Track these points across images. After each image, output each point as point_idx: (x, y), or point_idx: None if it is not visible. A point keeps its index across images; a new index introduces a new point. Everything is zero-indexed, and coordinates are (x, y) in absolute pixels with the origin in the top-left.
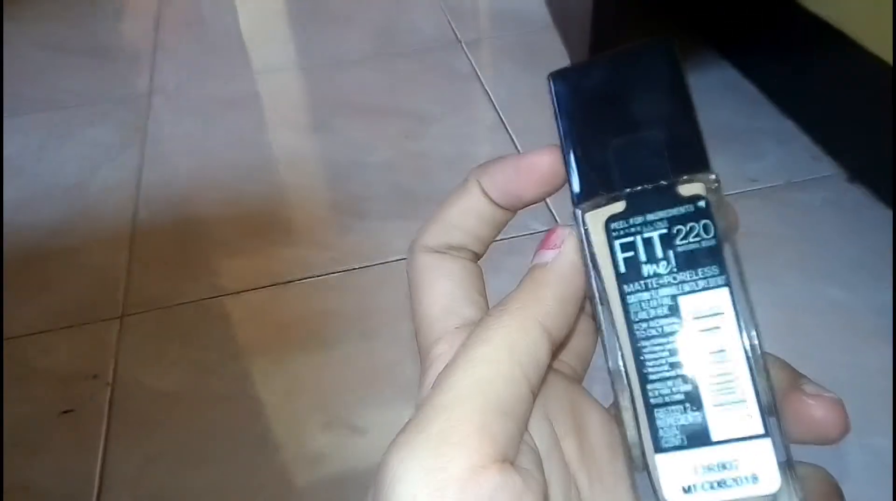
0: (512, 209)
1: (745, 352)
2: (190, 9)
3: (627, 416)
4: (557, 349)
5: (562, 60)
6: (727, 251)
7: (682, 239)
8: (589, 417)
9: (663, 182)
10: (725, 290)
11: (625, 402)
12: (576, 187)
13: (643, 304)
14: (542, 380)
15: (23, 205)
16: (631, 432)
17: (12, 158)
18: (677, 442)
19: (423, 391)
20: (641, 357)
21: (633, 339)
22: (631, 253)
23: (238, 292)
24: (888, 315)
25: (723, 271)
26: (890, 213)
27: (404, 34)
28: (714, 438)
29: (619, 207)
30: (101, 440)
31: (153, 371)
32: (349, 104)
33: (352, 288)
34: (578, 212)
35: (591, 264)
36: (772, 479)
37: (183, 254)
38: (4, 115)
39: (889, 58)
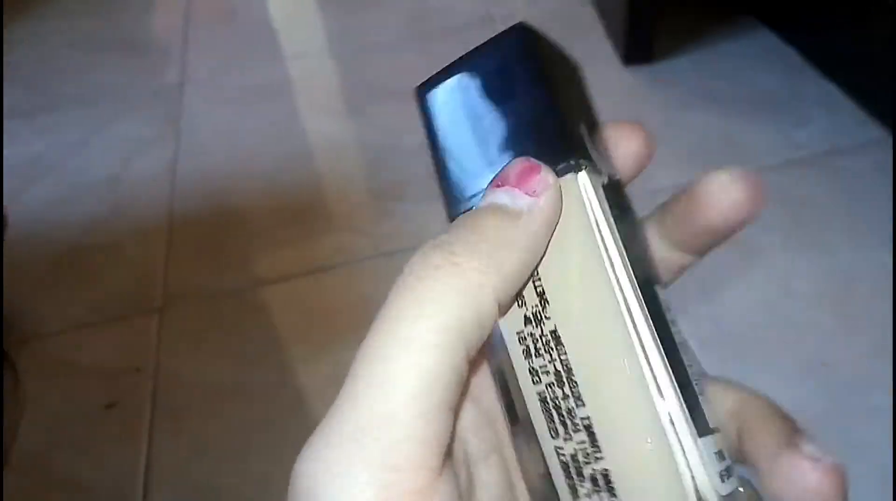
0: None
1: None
2: None
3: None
4: None
5: (598, 36)
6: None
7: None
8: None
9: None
10: None
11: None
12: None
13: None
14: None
15: (59, 202)
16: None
17: (46, 156)
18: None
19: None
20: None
21: (666, 335)
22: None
23: (277, 282)
24: None
25: None
26: None
27: (437, 14)
28: None
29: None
30: (145, 433)
31: (195, 363)
32: (383, 88)
33: (392, 273)
34: (572, 171)
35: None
36: None
37: (221, 245)
38: (36, 113)
39: None
